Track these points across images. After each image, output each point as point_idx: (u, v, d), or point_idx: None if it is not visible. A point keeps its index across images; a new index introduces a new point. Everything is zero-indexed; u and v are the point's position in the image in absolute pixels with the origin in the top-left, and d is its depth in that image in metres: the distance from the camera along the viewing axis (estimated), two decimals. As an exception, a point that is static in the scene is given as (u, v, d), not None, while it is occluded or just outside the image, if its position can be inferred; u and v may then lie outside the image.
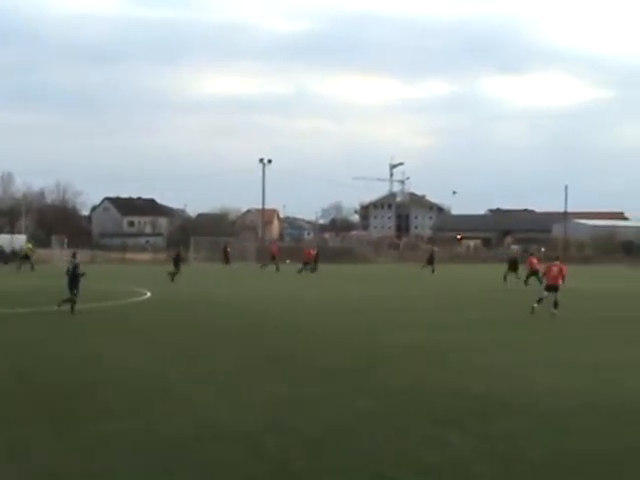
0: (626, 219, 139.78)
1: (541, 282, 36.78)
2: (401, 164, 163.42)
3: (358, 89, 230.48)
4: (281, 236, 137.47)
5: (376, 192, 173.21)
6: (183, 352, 16.53)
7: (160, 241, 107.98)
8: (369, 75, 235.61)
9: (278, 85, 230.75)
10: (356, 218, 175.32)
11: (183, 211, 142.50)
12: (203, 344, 17.82)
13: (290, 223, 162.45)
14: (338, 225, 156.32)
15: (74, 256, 25.80)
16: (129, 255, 75.93)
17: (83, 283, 24.53)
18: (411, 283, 43.51)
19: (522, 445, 9.22)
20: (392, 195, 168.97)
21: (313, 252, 52.66)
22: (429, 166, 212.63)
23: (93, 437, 9.33)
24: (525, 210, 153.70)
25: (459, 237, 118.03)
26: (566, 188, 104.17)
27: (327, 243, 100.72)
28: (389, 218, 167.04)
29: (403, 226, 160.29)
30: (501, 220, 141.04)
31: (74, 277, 24.10)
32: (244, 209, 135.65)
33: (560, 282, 25.78)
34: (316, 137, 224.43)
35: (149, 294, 31.62)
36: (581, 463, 8.58)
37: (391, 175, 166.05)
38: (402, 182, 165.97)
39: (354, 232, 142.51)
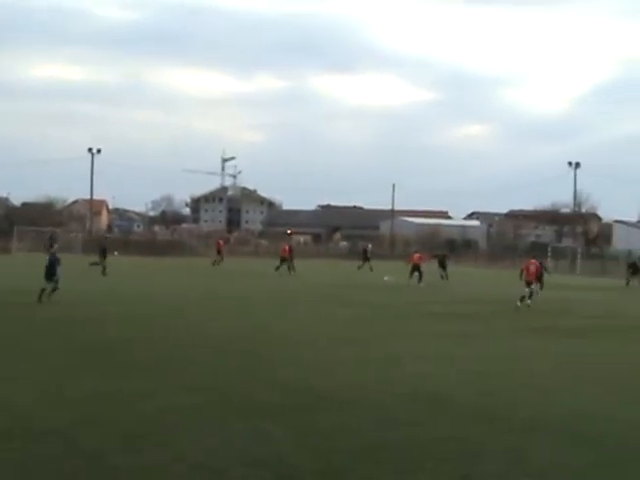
0: (450, 218, 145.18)
1: (421, 277, 38.51)
2: (233, 158, 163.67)
3: (191, 82, 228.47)
4: (110, 228, 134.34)
5: (208, 185, 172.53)
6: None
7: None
8: (202, 68, 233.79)
9: (110, 74, 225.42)
10: (187, 211, 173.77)
11: (7, 199, 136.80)
12: (22, 339, 17.17)
13: (120, 215, 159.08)
14: (168, 218, 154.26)
15: (52, 246, 26.45)
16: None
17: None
18: (242, 278, 43.47)
19: (347, 437, 9.41)
20: (223, 189, 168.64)
21: (287, 248, 49.37)
22: (261, 161, 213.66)
23: None
24: (354, 207, 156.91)
25: (289, 232, 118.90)
26: (393, 186, 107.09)
27: (156, 236, 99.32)
28: (220, 212, 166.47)
29: (234, 220, 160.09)
30: (331, 216, 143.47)
31: (52, 266, 24.57)
32: (71, 199, 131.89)
33: (533, 279, 29.10)
34: (148, 128, 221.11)
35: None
36: (402, 452, 8.83)
37: (223, 169, 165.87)
38: (234, 176, 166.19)
39: (185, 225, 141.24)
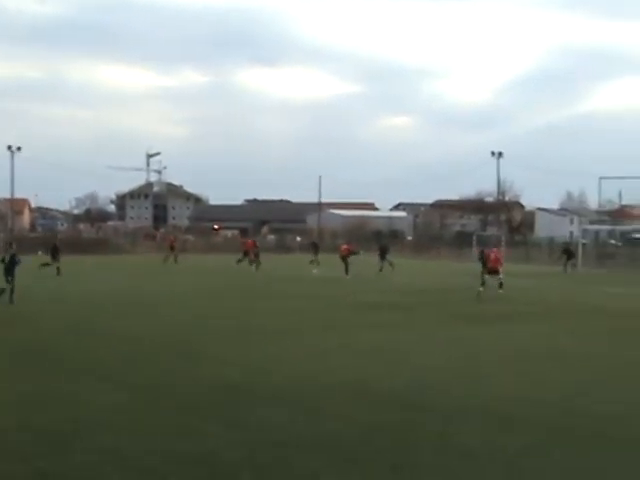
0: (377, 209, 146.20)
1: (347, 269, 38.65)
2: (158, 154, 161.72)
3: (113, 77, 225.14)
4: (33, 227, 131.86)
5: (133, 182, 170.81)
6: None
7: None
8: (124, 64, 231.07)
9: (30, 70, 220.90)
10: (112, 208, 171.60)
11: None
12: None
13: (42, 213, 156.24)
14: (93, 215, 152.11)
15: (11, 246, 26.63)
16: None
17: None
18: (169, 275, 43.07)
19: (273, 431, 9.41)
20: (149, 185, 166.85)
21: (251, 243, 48.94)
22: (187, 156, 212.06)
23: None
24: (281, 200, 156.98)
25: (216, 227, 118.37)
26: (320, 179, 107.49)
27: (81, 234, 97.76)
28: (146, 208, 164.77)
29: (161, 216, 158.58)
30: (258, 210, 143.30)
31: (11, 266, 24.41)
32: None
33: (499, 266, 29.63)
34: (70, 125, 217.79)
35: None
36: (332, 444, 8.88)
37: (148, 165, 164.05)
38: (159, 172, 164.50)
39: (110, 222, 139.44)
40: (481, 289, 28.61)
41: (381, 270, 42.52)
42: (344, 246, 42.54)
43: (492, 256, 30.53)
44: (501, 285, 29.36)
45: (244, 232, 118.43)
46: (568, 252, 49.61)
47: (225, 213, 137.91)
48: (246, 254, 46.82)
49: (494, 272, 29.70)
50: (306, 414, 10.29)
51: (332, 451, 8.66)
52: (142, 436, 9.17)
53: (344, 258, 40.43)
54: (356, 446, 8.86)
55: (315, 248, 51.94)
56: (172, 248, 54.67)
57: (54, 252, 40.56)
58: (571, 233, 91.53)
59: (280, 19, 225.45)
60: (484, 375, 13.34)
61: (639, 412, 10.66)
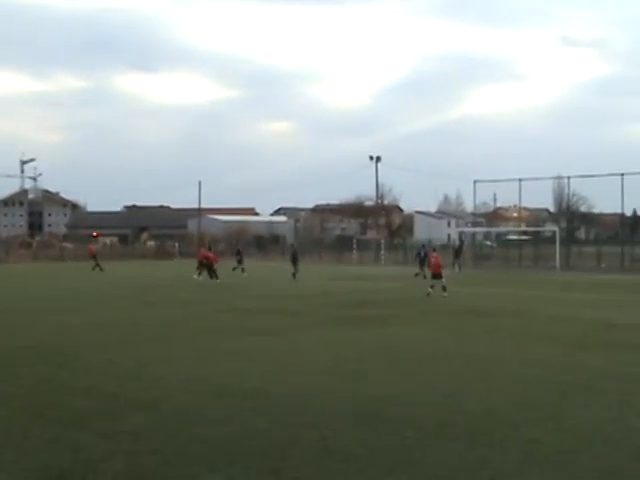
0: (257, 214, 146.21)
1: (200, 273, 38.63)
2: (32, 160, 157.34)
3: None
4: None
5: (7, 189, 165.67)
6: None
7: None
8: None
9: None
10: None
11: None
12: None
13: None
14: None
15: None
16: None
17: None
18: (36, 282, 42.02)
19: (150, 440, 9.29)
20: (23, 192, 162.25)
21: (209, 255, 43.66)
22: (63, 162, 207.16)
23: None
24: (161, 206, 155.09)
25: (95, 234, 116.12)
26: (200, 184, 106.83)
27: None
28: (21, 216, 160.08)
29: (36, 224, 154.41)
30: (137, 216, 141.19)
31: None
32: None
33: (441, 270, 30.98)
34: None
35: None
36: (213, 448, 8.82)
37: (22, 171, 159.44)
38: (34, 179, 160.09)
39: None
40: (445, 294, 30.01)
41: (294, 276, 42.28)
42: (202, 250, 43.43)
43: (433, 261, 31.74)
44: (444, 289, 30.45)
45: (123, 239, 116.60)
46: (457, 252, 50.75)
47: (104, 220, 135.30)
48: (202, 264, 42.96)
49: (437, 276, 31.02)
50: (188, 420, 10.18)
51: (214, 455, 8.61)
52: (11, 447, 8.91)
53: (201, 263, 41.53)
54: (237, 450, 8.83)
55: (239, 255, 49.78)
56: (94, 257, 54.29)
57: None
58: (448, 235, 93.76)
59: (158, 24, 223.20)
60: (366, 377, 13.48)
61: (512, 407, 10.98)
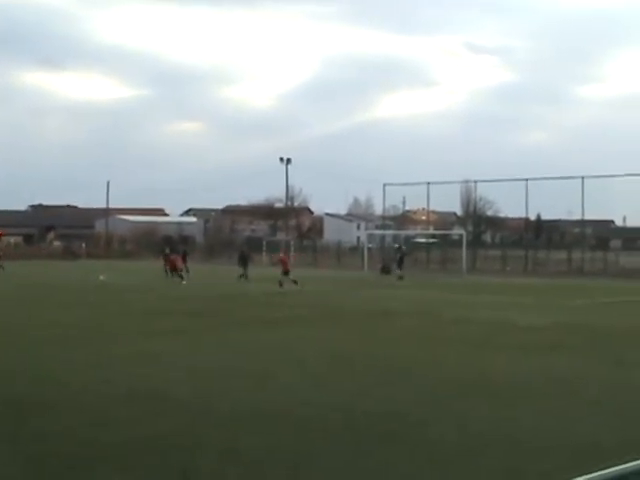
0: (167, 215, 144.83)
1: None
2: None
3: None
4: None
5: None
6: None
7: None
8: None
9: None
10: None
11: None
12: None
13: None
14: None
15: None
16: None
17: None
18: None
19: (57, 442, 9.19)
20: None
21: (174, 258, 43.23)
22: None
23: None
24: (68, 206, 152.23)
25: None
26: (108, 184, 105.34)
27: None
28: None
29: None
30: (43, 216, 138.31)
31: None
32: None
33: (288, 268, 36.96)
34: None
35: None
36: (117, 453, 8.77)
37: None
38: None
39: None
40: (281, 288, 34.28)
41: (246, 277, 41.50)
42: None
43: (281, 260, 38.41)
44: (296, 282, 34.91)
45: (28, 238, 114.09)
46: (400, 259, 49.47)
47: (7, 219, 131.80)
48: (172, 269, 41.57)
49: (286, 273, 36.29)
50: (92, 423, 10.10)
51: (119, 457, 8.57)
52: None
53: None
54: (144, 451, 8.82)
55: (244, 260, 43.98)
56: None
57: None
58: (358, 238, 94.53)
59: (64, 20, 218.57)
60: (266, 376, 13.56)
61: (417, 409, 11.20)
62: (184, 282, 39.09)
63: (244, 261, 43.28)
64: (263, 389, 12.51)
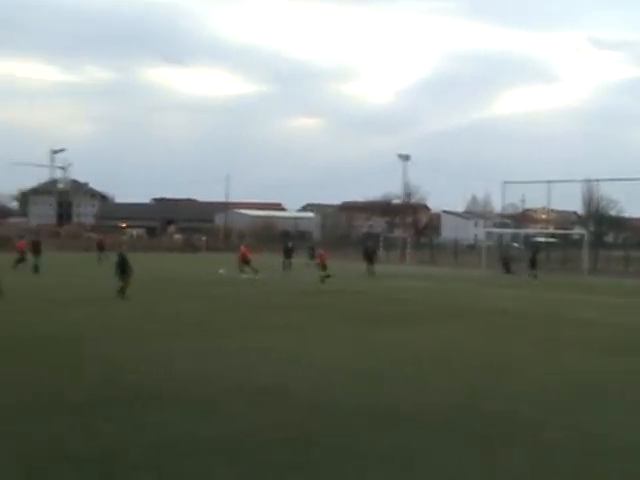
0: (284, 210, 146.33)
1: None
2: (63, 150, 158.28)
3: (13, 72, 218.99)
4: None
5: (37, 178, 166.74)
6: None
7: None
8: (25, 59, 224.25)
9: None
10: (14, 205, 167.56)
11: None
12: None
13: None
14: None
15: None
16: None
17: None
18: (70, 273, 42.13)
19: (172, 432, 9.26)
20: (53, 182, 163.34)
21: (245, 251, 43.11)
22: (92, 154, 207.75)
23: None
24: (188, 199, 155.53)
25: (123, 225, 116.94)
26: (227, 179, 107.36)
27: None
28: (50, 205, 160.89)
29: (65, 214, 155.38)
30: (165, 209, 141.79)
31: None
32: None
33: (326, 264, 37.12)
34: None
35: None
36: (229, 446, 8.77)
37: (52, 161, 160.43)
38: (64, 169, 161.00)
39: (12, 219, 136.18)
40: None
41: (372, 273, 41.68)
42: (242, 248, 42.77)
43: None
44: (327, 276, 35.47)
45: (151, 231, 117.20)
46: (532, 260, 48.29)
47: (131, 212, 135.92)
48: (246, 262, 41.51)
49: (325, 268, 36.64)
50: (204, 415, 10.15)
51: (230, 452, 8.55)
52: (32, 433, 8.92)
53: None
54: (258, 444, 8.79)
55: (369, 256, 44.76)
56: (101, 248, 52.90)
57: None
58: (475, 236, 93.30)
59: (188, 17, 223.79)
60: (382, 375, 13.39)
61: (527, 409, 10.86)
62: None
63: (369, 257, 43.05)
64: (374, 385, 12.36)
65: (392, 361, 14.92)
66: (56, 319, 20.66)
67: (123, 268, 26.70)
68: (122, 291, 25.97)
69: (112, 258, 49.61)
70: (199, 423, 9.68)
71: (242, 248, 42.14)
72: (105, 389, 11.63)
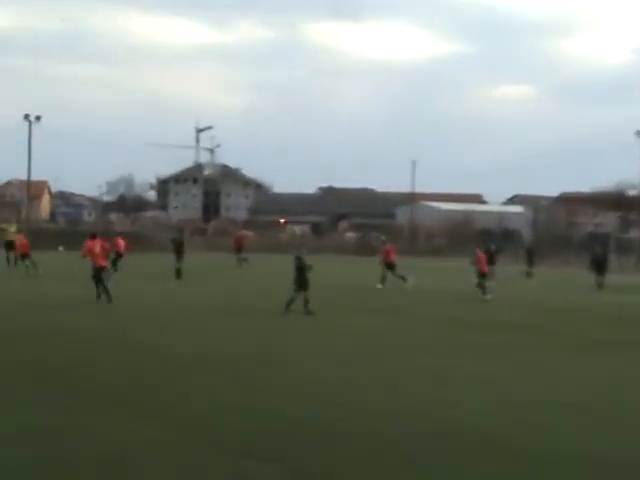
0: (485, 202, 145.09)
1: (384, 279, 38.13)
2: (210, 128, 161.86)
3: (153, 32, 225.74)
4: (52, 216, 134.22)
5: (178, 163, 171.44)
6: None
7: None
8: (166, 15, 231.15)
9: (41, 19, 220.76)
10: (152, 195, 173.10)
11: None
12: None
13: (65, 200, 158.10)
14: (128, 203, 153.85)
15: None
16: None
17: None
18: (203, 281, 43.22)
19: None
20: (198, 167, 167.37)
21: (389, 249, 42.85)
22: (246, 132, 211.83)
23: None
24: (364, 189, 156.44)
25: (283, 221, 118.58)
26: (413, 164, 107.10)
27: (113, 226, 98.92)
28: (194, 196, 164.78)
29: (212, 207, 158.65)
30: (334, 201, 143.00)
31: None
32: (3, 180, 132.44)
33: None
34: (98, 90, 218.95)
35: None
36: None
37: (197, 141, 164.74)
38: (211, 151, 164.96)
39: (149, 213, 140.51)
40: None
41: (600, 286, 41.63)
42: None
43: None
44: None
45: (316, 228, 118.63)
46: None
47: (293, 204, 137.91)
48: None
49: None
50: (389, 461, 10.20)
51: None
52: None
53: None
54: None
55: (530, 255, 51.18)
56: (239, 249, 54.15)
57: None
58: None
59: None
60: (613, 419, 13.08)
61: None
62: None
63: (599, 265, 42.43)
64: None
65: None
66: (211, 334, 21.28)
67: (302, 277, 26.21)
68: (306, 304, 25.77)
69: (251, 260, 51.40)
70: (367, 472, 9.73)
71: (387, 247, 40.56)
72: (268, 423, 11.85)
